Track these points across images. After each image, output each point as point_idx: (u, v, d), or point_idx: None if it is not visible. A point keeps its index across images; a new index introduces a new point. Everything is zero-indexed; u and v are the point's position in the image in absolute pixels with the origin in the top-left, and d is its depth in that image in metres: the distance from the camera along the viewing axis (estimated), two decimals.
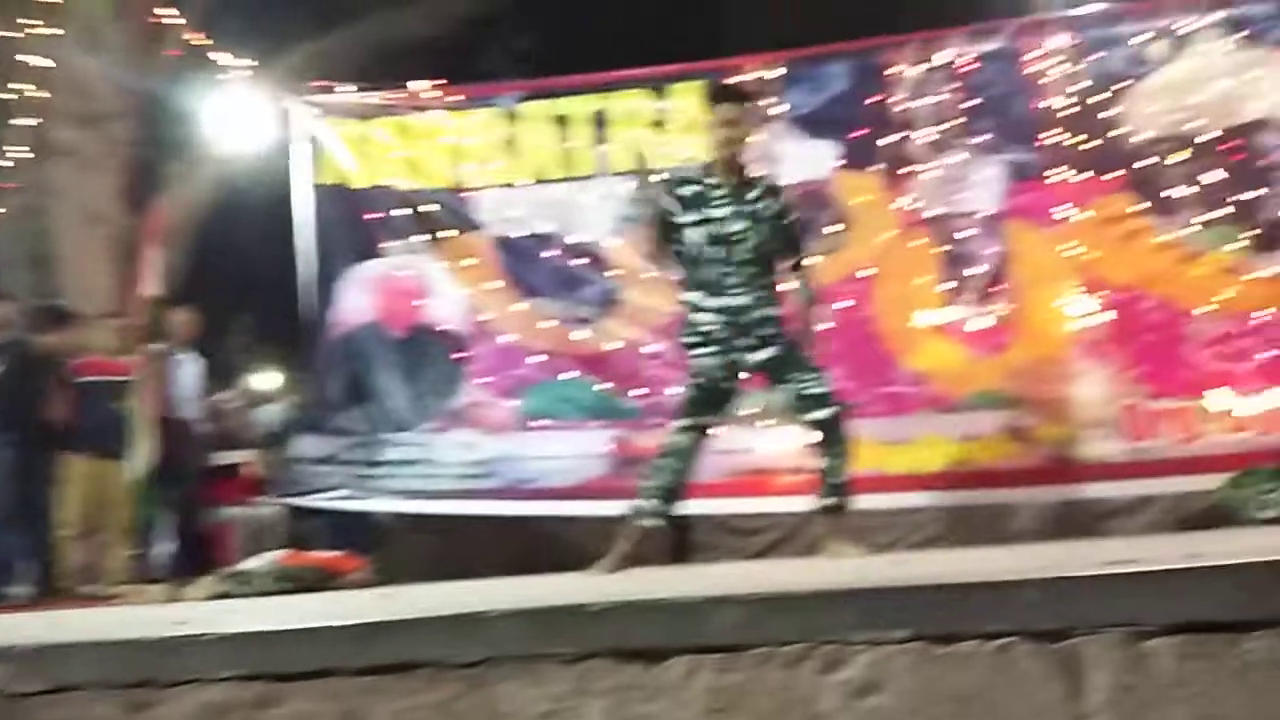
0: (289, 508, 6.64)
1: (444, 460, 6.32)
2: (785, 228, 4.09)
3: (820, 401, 3.93)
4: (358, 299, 6.58)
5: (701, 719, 1.42)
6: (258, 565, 4.91)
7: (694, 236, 3.96)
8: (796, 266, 4.17)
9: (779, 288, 4.05)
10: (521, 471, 6.11)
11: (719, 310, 3.95)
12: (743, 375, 4.03)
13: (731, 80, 5.24)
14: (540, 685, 1.45)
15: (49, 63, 7.13)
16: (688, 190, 4.01)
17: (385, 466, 6.38)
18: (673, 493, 3.99)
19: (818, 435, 3.95)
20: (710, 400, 3.99)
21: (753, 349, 3.94)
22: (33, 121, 6.78)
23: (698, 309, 3.99)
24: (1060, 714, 1.38)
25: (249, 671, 1.52)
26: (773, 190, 4.10)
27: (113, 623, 2.27)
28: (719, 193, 3.98)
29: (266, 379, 7.74)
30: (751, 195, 4.00)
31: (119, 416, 6.05)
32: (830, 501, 4.00)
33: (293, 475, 6.48)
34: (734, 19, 10.48)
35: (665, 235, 4.04)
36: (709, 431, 4.02)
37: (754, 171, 4.17)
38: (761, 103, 6.15)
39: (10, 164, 6.67)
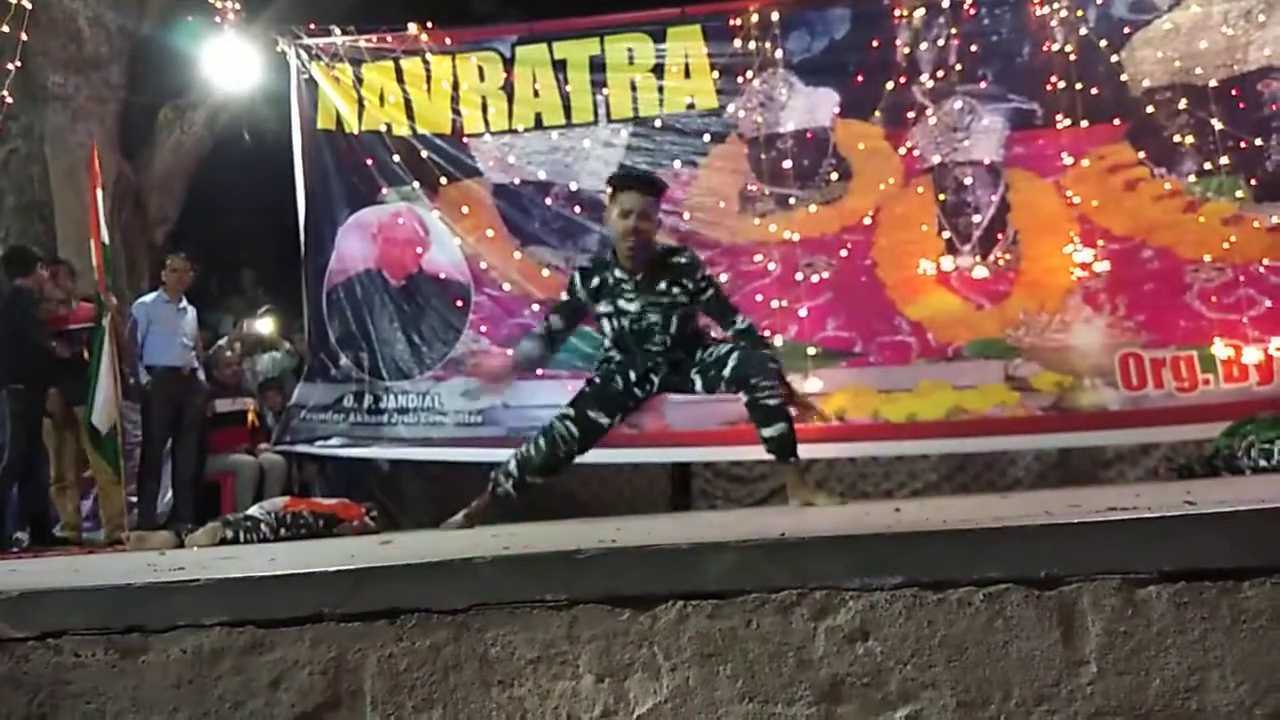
0: (290, 455, 6.65)
1: (444, 408, 6.32)
2: (708, 302, 3.84)
3: (726, 356, 3.75)
4: (357, 246, 6.55)
5: (692, 665, 1.42)
6: (259, 512, 4.91)
7: (605, 327, 3.85)
8: (744, 334, 3.87)
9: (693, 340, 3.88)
10: (522, 420, 6.11)
11: (621, 364, 3.88)
12: (649, 388, 3.91)
13: (632, 173, 4.99)
14: (529, 631, 1.44)
15: (37, 6, 7.01)
16: (595, 281, 3.83)
17: (385, 414, 6.39)
18: (532, 470, 3.86)
19: (736, 377, 3.72)
20: (603, 399, 3.86)
21: (658, 369, 3.87)
22: (21, 66, 6.67)
23: (607, 350, 3.93)
24: (1053, 661, 1.38)
25: (239, 617, 1.51)
26: (685, 269, 3.79)
27: (105, 569, 2.27)
28: (627, 286, 3.78)
29: (266, 326, 7.69)
30: (661, 285, 3.76)
31: (82, 366, 6.03)
32: (772, 434, 3.71)
33: (294, 423, 6.49)
34: None
35: (570, 317, 3.93)
36: (591, 428, 3.86)
37: (663, 255, 3.83)
38: (755, 46, 6.09)
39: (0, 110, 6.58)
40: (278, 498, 5.49)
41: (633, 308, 3.77)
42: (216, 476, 6.65)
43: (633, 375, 3.86)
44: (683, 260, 3.83)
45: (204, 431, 6.63)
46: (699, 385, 3.86)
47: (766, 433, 3.71)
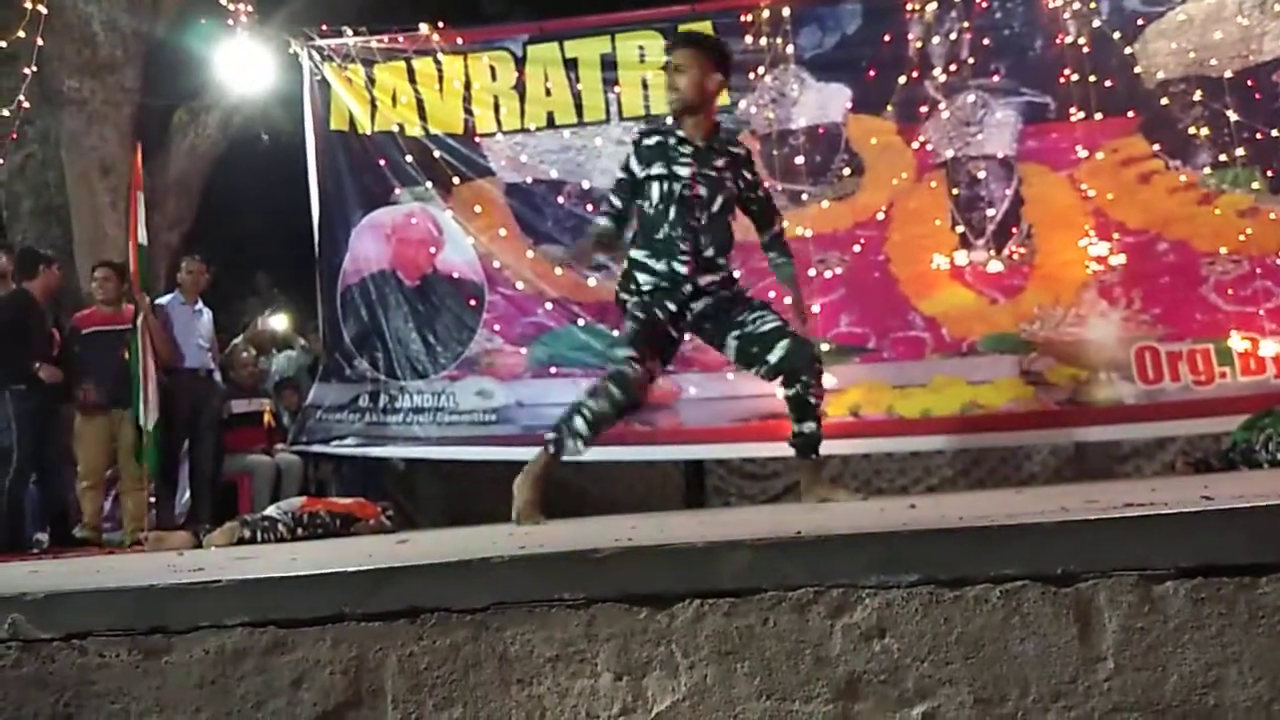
0: (307, 455, 6.69)
1: (459, 407, 6.34)
2: (757, 199, 3.95)
3: (777, 334, 3.72)
4: (371, 246, 6.57)
5: (709, 663, 1.42)
6: (277, 512, 4.95)
7: (652, 192, 3.80)
8: (773, 242, 4.03)
9: (726, 260, 3.84)
10: (535, 418, 6.12)
11: (661, 275, 3.78)
12: (683, 325, 3.86)
13: (690, 28, 5.01)
14: (548, 630, 1.45)
15: (52, 11, 7.07)
16: (652, 140, 3.85)
17: (400, 414, 6.41)
18: (609, 423, 3.73)
19: (783, 369, 3.72)
20: (653, 340, 3.79)
21: (694, 299, 3.79)
22: (37, 71, 6.72)
23: (640, 267, 3.83)
24: (1070, 658, 1.38)
25: (261, 617, 1.53)
26: (742, 160, 3.91)
27: (128, 570, 2.29)
28: (684, 150, 3.80)
29: (279, 324, 7.73)
30: (718, 161, 3.82)
31: (122, 367, 6.08)
32: (804, 430, 3.75)
33: (309, 423, 6.52)
34: None
35: (631, 193, 3.88)
36: (647, 374, 3.76)
37: (724, 138, 3.96)
38: (766, 42, 6.09)
39: (15, 114, 6.64)
40: (295, 498, 5.53)
41: (685, 173, 3.78)
42: (234, 477, 6.69)
43: (671, 307, 3.77)
44: (743, 153, 3.95)
45: (221, 432, 6.67)
46: (733, 351, 3.82)
47: (800, 428, 3.75)
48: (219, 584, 1.58)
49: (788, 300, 4.14)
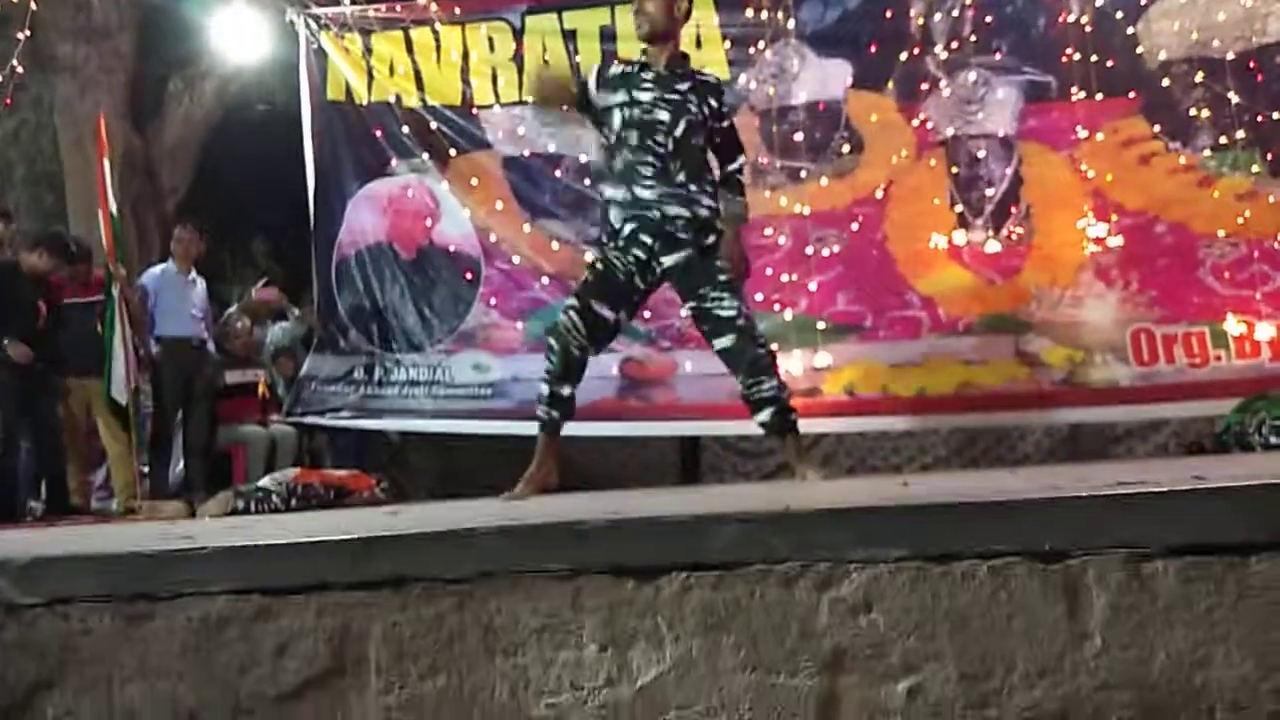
0: (301, 426, 6.68)
1: (455, 381, 6.33)
2: (721, 130, 3.90)
3: (728, 325, 3.72)
4: (367, 218, 6.54)
5: (695, 635, 1.42)
6: (271, 483, 4.95)
7: (614, 120, 3.80)
8: (728, 178, 3.96)
9: (702, 191, 3.80)
10: (531, 392, 6.09)
11: (626, 204, 3.78)
12: (650, 278, 3.84)
13: None
14: (533, 600, 1.45)
15: None
16: (616, 70, 3.85)
17: (396, 386, 6.40)
18: (555, 377, 3.77)
19: (726, 359, 3.77)
20: (605, 289, 3.78)
21: (665, 250, 3.76)
22: (28, 35, 6.66)
23: (610, 202, 3.85)
24: (1058, 634, 1.37)
25: (246, 585, 1.53)
26: (709, 87, 3.87)
27: (117, 537, 2.28)
28: (646, 75, 3.80)
29: (270, 295, 7.69)
30: (681, 86, 3.79)
31: (96, 338, 6.03)
32: (763, 419, 3.79)
33: (304, 394, 6.51)
34: None
35: (582, 106, 3.91)
36: (596, 322, 3.76)
37: (692, 65, 3.93)
38: (767, 16, 6.04)
39: (9, 80, 6.58)
40: (289, 469, 5.53)
41: (646, 98, 3.77)
42: (228, 447, 6.68)
43: (639, 253, 3.76)
44: (711, 80, 3.94)
45: (215, 403, 6.66)
46: (691, 313, 3.88)
47: (757, 418, 3.82)
48: (203, 551, 1.57)
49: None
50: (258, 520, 3.60)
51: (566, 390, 3.79)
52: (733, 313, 3.72)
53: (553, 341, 3.79)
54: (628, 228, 3.79)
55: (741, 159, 4.00)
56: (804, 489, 2.84)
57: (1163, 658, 1.36)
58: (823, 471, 3.94)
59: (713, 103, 3.85)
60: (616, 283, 3.80)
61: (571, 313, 3.76)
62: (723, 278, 3.76)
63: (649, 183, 3.74)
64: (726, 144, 3.96)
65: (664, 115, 3.76)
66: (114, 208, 6.18)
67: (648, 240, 3.77)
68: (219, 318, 7.14)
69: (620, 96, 3.80)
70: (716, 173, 3.99)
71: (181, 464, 6.59)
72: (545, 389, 3.81)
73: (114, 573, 1.56)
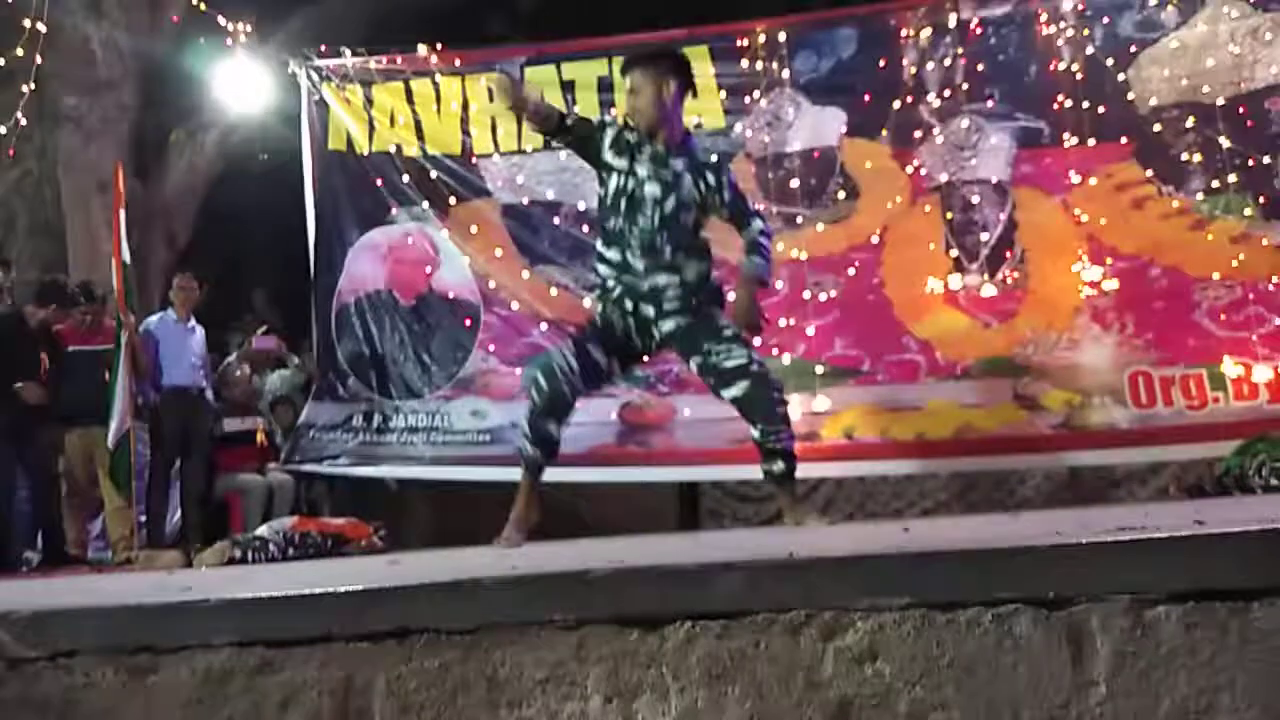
0: (299, 474, 6.66)
1: (453, 427, 6.33)
2: (726, 203, 3.90)
3: (739, 374, 3.72)
4: (368, 266, 6.57)
5: (700, 686, 1.42)
6: (268, 532, 4.93)
7: (610, 183, 3.87)
8: (750, 243, 3.95)
9: (689, 259, 3.83)
10: None
11: (616, 265, 3.84)
12: (649, 341, 3.88)
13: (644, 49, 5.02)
14: (538, 651, 1.45)
15: (52, 29, 7.08)
16: (630, 137, 3.87)
17: (395, 433, 6.39)
18: (541, 413, 3.78)
19: (740, 408, 3.77)
20: (602, 338, 3.84)
21: (661, 317, 3.80)
22: (33, 88, 6.73)
23: (601, 258, 3.91)
24: (1063, 682, 1.37)
25: (249, 637, 1.52)
26: (705, 165, 3.92)
27: (117, 589, 2.27)
28: (645, 151, 3.85)
29: (269, 344, 7.70)
30: (676, 164, 3.83)
31: (101, 387, 6.05)
32: (773, 469, 3.80)
33: (302, 442, 6.50)
34: None
35: (583, 148, 3.96)
36: (589, 363, 3.81)
37: (687, 146, 3.92)
38: (762, 66, 6.11)
39: (13, 131, 6.64)
40: (286, 517, 5.51)
41: (642, 172, 3.82)
42: (225, 496, 6.66)
43: (628, 305, 3.81)
44: (707, 160, 3.98)
45: (213, 451, 6.65)
46: (698, 375, 3.89)
47: (767, 467, 3.81)
48: (207, 603, 1.57)
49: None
50: (257, 570, 3.59)
51: (552, 428, 3.80)
52: (743, 361, 3.73)
53: (541, 378, 3.79)
54: (617, 290, 3.85)
55: (758, 223, 3.99)
56: (805, 535, 2.83)
57: (1167, 704, 1.35)
58: (824, 519, 3.94)
59: (710, 179, 3.86)
60: (614, 336, 3.86)
61: (566, 352, 3.82)
62: (726, 331, 3.79)
63: (637, 252, 3.80)
64: (736, 214, 3.97)
65: (655, 191, 3.80)
66: (127, 257, 6.24)
67: (634, 306, 3.82)
68: (218, 366, 7.15)
69: (622, 163, 3.85)
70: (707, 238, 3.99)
71: (179, 513, 6.56)
72: (528, 425, 3.80)
73: (116, 625, 1.56)
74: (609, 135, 3.90)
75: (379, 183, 6.53)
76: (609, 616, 1.44)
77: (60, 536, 6.19)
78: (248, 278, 11.10)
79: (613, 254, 3.85)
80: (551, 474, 6.37)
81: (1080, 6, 5.89)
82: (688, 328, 3.79)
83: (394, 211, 6.54)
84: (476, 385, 6.34)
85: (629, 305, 3.82)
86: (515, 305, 6.36)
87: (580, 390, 3.82)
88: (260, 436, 7.03)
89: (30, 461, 6.07)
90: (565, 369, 3.76)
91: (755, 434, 3.77)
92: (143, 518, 6.25)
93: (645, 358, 4.05)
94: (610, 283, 3.86)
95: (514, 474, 6.17)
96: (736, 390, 3.73)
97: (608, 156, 3.88)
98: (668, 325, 3.81)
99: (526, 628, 1.45)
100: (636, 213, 3.80)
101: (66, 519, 6.25)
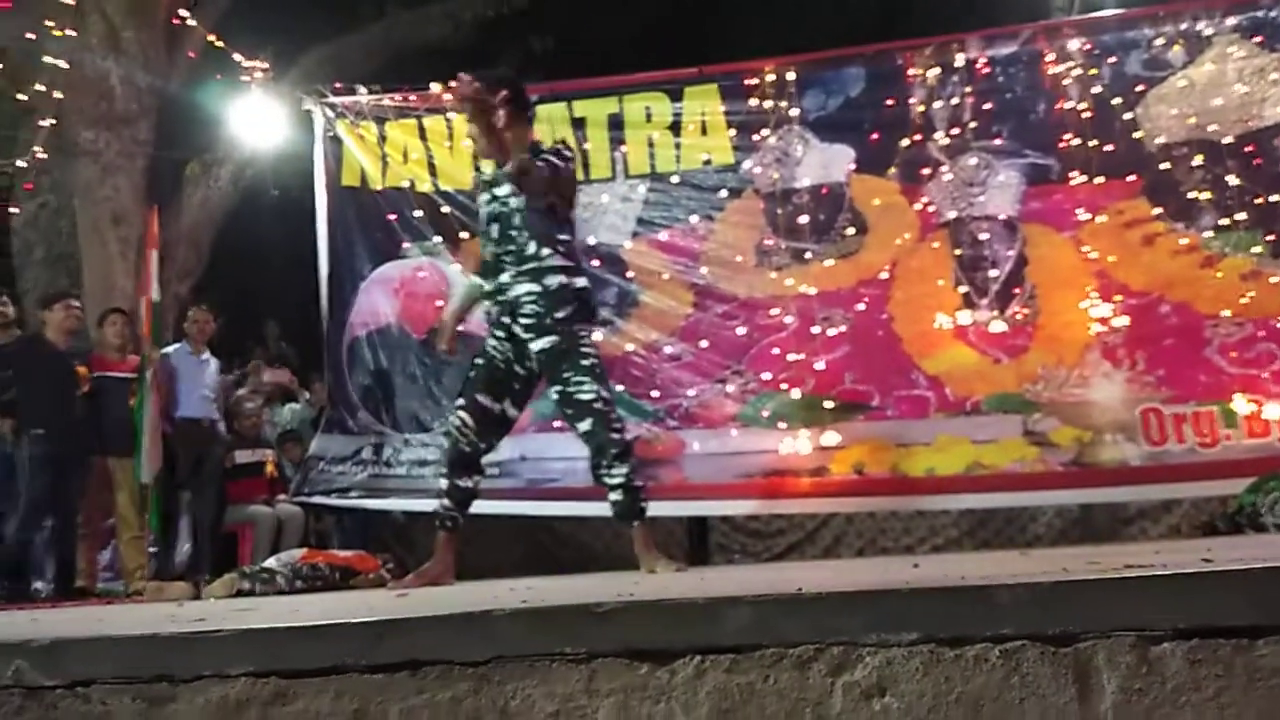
0: (308, 507, 6.68)
1: None
2: (544, 175, 3.82)
3: (586, 409, 3.81)
4: (380, 300, 6.61)
5: None
6: (276, 564, 4.94)
7: (481, 219, 4.09)
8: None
9: (554, 255, 3.90)
10: (539, 471, 6.11)
11: (492, 294, 4.01)
12: (529, 363, 3.96)
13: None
14: (548, 684, 1.46)
15: (69, 64, 7.20)
16: (484, 172, 4.12)
17: (404, 466, 6.41)
18: (449, 470, 3.99)
19: (585, 441, 3.87)
20: (488, 382, 3.95)
21: (531, 334, 3.88)
22: (53, 123, 6.84)
23: (485, 297, 4.10)
24: (1070, 718, 1.38)
25: (264, 667, 1.54)
26: (523, 164, 3.79)
27: (131, 619, 2.29)
28: (487, 176, 4.06)
29: (282, 377, 7.76)
30: (502, 181, 3.91)
31: (129, 416, 6.09)
32: (616, 502, 3.85)
33: (311, 474, 6.52)
34: (751, 21, 10.50)
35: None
36: (485, 415, 3.95)
37: (519, 161, 3.77)
38: (771, 104, 6.17)
39: (32, 165, 6.74)
40: (295, 549, 5.51)
41: (485, 197, 4.04)
42: (234, 527, 6.68)
43: (500, 333, 3.94)
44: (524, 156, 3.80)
45: (223, 482, 6.67)
46: (557, 404, 4.04)
47: (609, 499, 3.89)
48: (222, 634, 1.58)
49: None
50: (268, 601, 3.60)
51: (465, 482, 4.00)
52: (591, 396, 3.83)
53: (443, 440, 4.00)
54: (494, 314, 4.03)
55: (551, 236, 3.95)
56: (814, 571, 2.84)
57: None
58: (674, 566, 3.85)
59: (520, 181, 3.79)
60: (497, 373, 3.97)
61: (460, 412, 3.98)
62: (585, 362, 3.86)
63: (507, 267, 3.94)
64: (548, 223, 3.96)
65: (499, 209, 3.95)
66: (156, 295, 6.34)
67: (508, 322, 3.93)
68: (229, 398, 7.19)
69: (484, 198, 4.04)
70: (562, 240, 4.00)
71: (188, 545, 6.57)
72: (444, 483, 4.02)
73: (134, 655, 1.57)
74: (479, 183, 4.15)
75: (392, 218, 6.58)
76: (619, 650, 1.45)
77: (71, 568, 6.20)
78: (260, 310, 11.18)
79: (489, 284, 4.02)
80: (561, 508, 6.41)
81: (1087, 46, 5.95)
82: (553, 352, 3.87)
83: (406, 246, 6.60)
84: None
85: (506, 325, 3.94)
86: None
87: (481, 445, 3.99)
88: (270, 468, 7.05)
89: (64, 494, 6.08)
90: (461, 428, 3.95)
91: (599, 474, 3.87)
92: (152, 549, 6.26)
93: (535, 382, 4.10)
94: (492, 312, 4.04)
95: (522, 507, 6.23)
96: (585, 424, 3.84)
97: (480, 201, 4.10)
98: (538, 345, 3.89)
99: (537, 660, 1.46)
100: (495, 236, 3.96)
101: (78, 550, 6.26)
